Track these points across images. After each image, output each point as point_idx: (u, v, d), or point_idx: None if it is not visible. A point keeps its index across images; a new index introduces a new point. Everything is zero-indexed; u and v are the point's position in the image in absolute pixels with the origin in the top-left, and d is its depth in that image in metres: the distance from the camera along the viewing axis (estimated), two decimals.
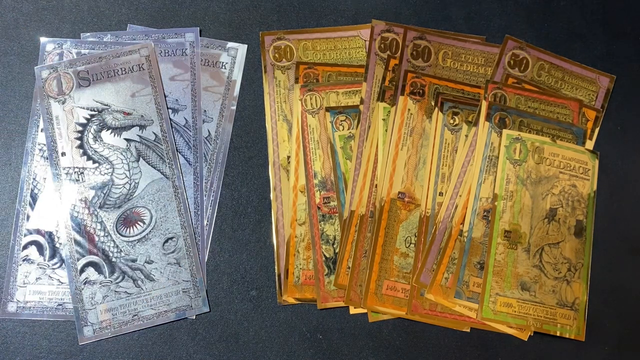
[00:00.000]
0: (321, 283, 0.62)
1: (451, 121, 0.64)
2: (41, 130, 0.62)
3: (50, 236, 0.61)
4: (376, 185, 0.62)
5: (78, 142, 0.62)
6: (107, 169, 0.62)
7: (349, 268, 0.61)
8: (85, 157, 0.62)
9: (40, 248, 0.61)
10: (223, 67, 0.65)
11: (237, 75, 0.65)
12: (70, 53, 0.63)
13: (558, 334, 0.62)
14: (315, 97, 0.64)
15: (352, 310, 0.62)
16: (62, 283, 0.60)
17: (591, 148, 0.66)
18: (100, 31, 0.65)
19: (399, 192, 0.62)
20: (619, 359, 0.64)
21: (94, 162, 0.62)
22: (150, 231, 0.61)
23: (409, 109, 0.63)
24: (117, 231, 0.61)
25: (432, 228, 0.62)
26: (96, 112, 0.62)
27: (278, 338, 0.62)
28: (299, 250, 0.62)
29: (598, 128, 0.66)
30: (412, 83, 0.64)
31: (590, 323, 0.63)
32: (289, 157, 0.64)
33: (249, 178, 0.64)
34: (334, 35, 0.66)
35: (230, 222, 0.63)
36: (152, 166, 0.62)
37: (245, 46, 0.66)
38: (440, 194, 0.62)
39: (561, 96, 0.66)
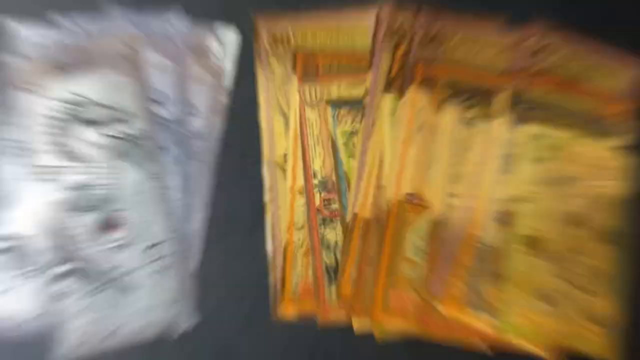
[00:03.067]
0: (321, 294, 0.59)
1: (465, 115, 0.60)
2: (11, 125, 0.59)
3: (22, 242, 0.58)
4: (382, 185, 0.59)
5: (53, 138, 0.58)
6: (85, 168, 0.59)
7: (352, 277, 0.58)
8: (60, 154, 0.58)
9: (12, 255, 0.58)
10: (213, 55, 0.62)
11: (228, 64, 0.62)
12: (45, 40, 0.59)
13: (583, 352, 0.58)
14: (315, 88, 0.61)
15: (357, 326, 0.59)
16: (35, 294, 0.57)
17: (622, 145, 0.61)
18: (77, 14, 0.61)
19: (408, 194, 0.59)
20: None
21: (71, 160, 0.58)
22: (132, 237, 0.58)
23: (418, 102, 0.60)
24: (96, 236, 0.58)
25: (444, 233, 0.59)
26: (73, 105, 0.59)
27: (274, 355, 0.59)
28: (297, 257, 0.60)
29: (633, 123, 0.62)
30: (422, 73, 0.61)
31: (622, 340, 0.59)
32: (285, 155, 0.61)
33: (241, 178, 0.61)
34: (336, 20, 0.62)
35: (221, 226, 0.60)
36: (135, 165, 0.59)
37: (238, 32, 0.62)
38: (453, 195, 0.60)
39: (589, 87, 0.62)
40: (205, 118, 0.61)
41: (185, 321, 0.59)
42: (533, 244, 0.59)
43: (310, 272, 0.60)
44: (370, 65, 0.61)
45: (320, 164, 0.61)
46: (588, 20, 0.64)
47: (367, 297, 0.58)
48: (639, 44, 0.63)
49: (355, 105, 0.61)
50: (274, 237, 0.60)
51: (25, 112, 0.58)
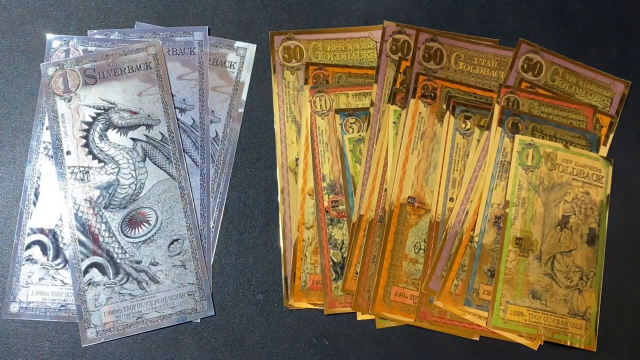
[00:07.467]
0: (328, 288, 0.61)
1: (463, 125, 0.63)
2: (46, 128, 0.61)
3: (54, 236, 0.60)
4: (386, 189, 0.61)
5: (84, 140, 0.61)
6: (113, 169, 0.61)
7: (356, 273, 0.60)
8: (90, 156, 0.61)
9: (43, 248, 0.60)
10: (231, 67, 0.64)
11: (246, 76, 0.64)
12: (77, 50, 0.62)
13: (569, 344, 0.61)
14: (325, 98, 0.63)
15: (360, 316, 0.61)
16: (65, 284, 0.60)
17: (605, 155, 0.65)
18: (108, 28, 0.64)
19: (409, 197, 0.61)
20: None
21: (100, 161, 0.61)
22: (155, 232, 0.61)
23: (420, 112, 0.62)
24: (122, 232, 0.60)
25: (442, 234, 0.61)
26: (102, 111, 0.62)
27: (284, 343, 0.61)
28: (306, 254, 0.61)
29: (612, 134, 0.65)
30: (424, 86, 0.63)
31: (602, 333, 0.62)
32: (297, 160, 0.63)
33: (256, 180, 0.63)
34: (345, 36, 0.65)
35: (236, 224, 0.62)
36: (158, 166, 0.61)
37: (254, 46, 0.65)
38: (451, 199, 0.61)
39: (575, 101, 0.65)
40: (224, 124, 0.64)
41: (203, 310, 0.60)
42: (523, 245, 0.61)
43: (318, 268, 0.61)
44: (376, 78, 0.64)
45: (329, 168, 0.63)
46: (570, 42, 0.68)
47: (370, 291, 0.60)
48: (616, 64, 0.68)
49: (362, 114, 0.63)
50: (285, 235, 0.62)
51: (60, 117, 0.61)
